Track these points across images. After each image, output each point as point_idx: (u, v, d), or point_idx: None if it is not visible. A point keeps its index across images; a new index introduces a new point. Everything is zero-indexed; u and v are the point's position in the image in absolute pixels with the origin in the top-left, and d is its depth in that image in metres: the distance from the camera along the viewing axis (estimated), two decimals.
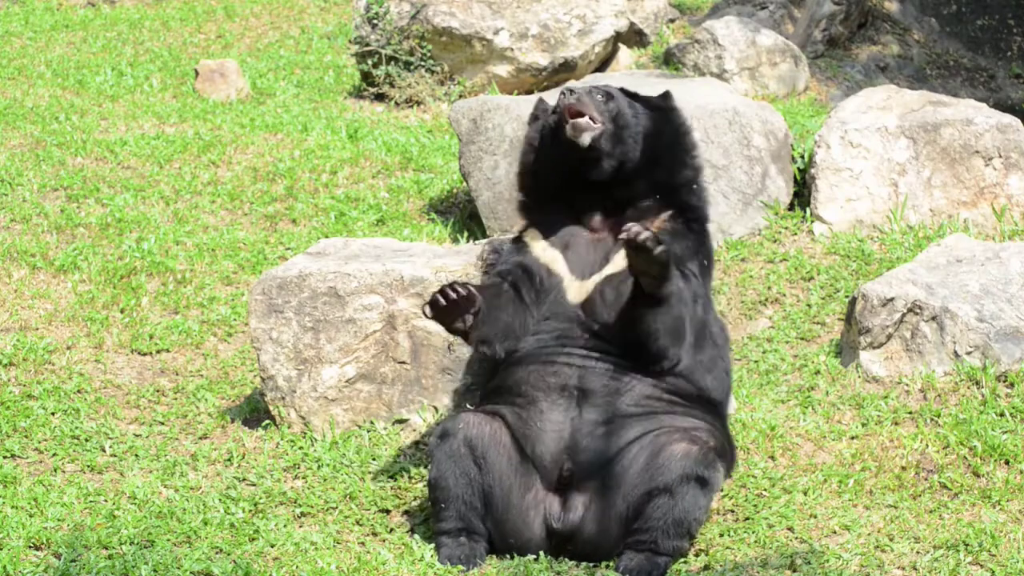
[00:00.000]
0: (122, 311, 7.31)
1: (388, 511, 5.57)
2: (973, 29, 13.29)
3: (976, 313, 6.33)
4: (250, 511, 5.47)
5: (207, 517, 5.35)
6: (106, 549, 5.06)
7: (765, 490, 5.59)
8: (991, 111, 7.93)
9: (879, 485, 5.62)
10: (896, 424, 6.03)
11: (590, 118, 5.23)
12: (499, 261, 5.58)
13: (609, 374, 5.18)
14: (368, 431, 6.05)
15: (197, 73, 11.46)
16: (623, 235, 4.94)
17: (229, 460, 5.92)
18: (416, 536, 5.35)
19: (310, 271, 6.12)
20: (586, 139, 5.25)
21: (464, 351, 6.01)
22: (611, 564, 5.10)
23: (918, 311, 6.39)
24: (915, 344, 6.38)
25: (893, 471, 5.70)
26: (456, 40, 11.22)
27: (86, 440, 6.04)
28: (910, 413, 6.10)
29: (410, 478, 5.74)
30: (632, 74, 9.98)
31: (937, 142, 7.77)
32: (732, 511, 5.51)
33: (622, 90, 5.50)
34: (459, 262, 6.23)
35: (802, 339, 6.97)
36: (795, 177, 8.13)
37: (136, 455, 5.95)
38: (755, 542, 5.27)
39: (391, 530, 5.44)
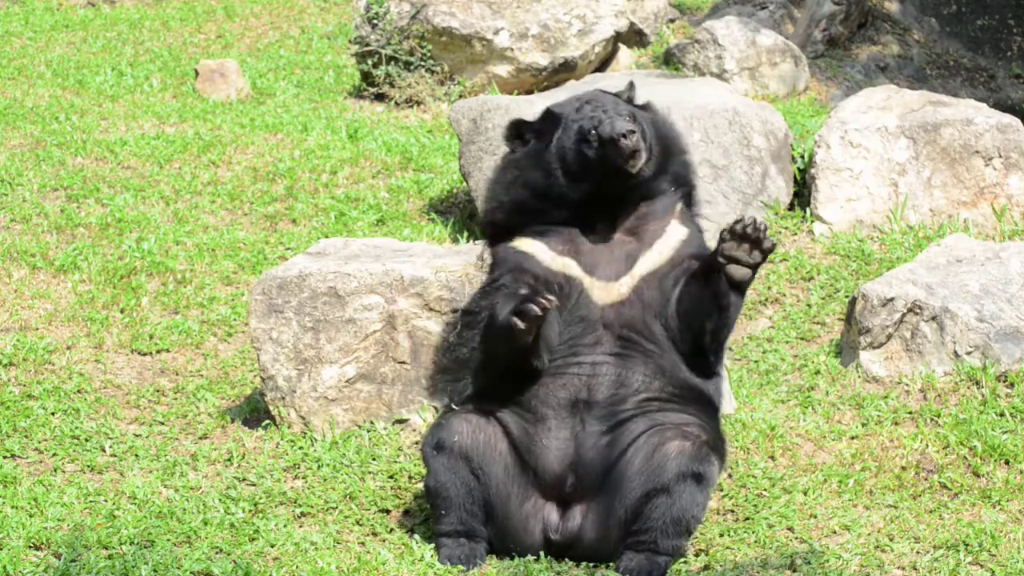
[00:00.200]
0: (122, 311, 7.31)
1: (388, 511, 5.57)
2: (973, 29, 13.30)
3: (976, 313, 6.33)
4: (250, 511, 5.47)
5: (207, 517, 5.35)
6: (106, 549, 5.06)
7: (765, 490, 5.59)
8: (991, 111, 7.93)
9: (879, 485, 5.62)
10: (896, 424, 6.03)
11: (639, 150, 5.13)
12: (504, 271, 5.33)
13: (616, 379, 5.14)
14: (368, 431, 6.05)
15: (197, 73, 11.46)
16: (739, 227, 4.93)
17: (229, 460, 5.91)
18: (416, 536, 5.35)
19: (310, 271, 6.12)
20: (636, 168, 5.16)
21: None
22: (611, 565, 5.09)
23: (918, 311, 6.39)
24: (915, 344, 6.38)
25: (893, 471, 5.70)
26: (456, 40, 11.22)
27: (86, 440, 6.04)
28: (910, 413, 6.10)
29: (410, 478, 5.73)
30: (632, 74, 9.98)
31: (937, 142, 7.77)
32: (732, 511, 5.51)
33: (616, 95, 5.44)
34: (459, 262, 6.23)
35: (802, 339, 6.97)
36: (795, 177, 8.13)
37: (136, 455, 5.95)
38: (755, 542, 5.27)
39: (391, 530, 5.44)
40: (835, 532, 5.33)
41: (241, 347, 7.01)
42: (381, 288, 6.09)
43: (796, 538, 5.30)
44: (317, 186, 8.94)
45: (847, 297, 7.03)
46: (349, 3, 13.82)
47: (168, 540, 5.15)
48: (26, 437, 6.02)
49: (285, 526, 5.35)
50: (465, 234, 8.23)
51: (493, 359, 5.18)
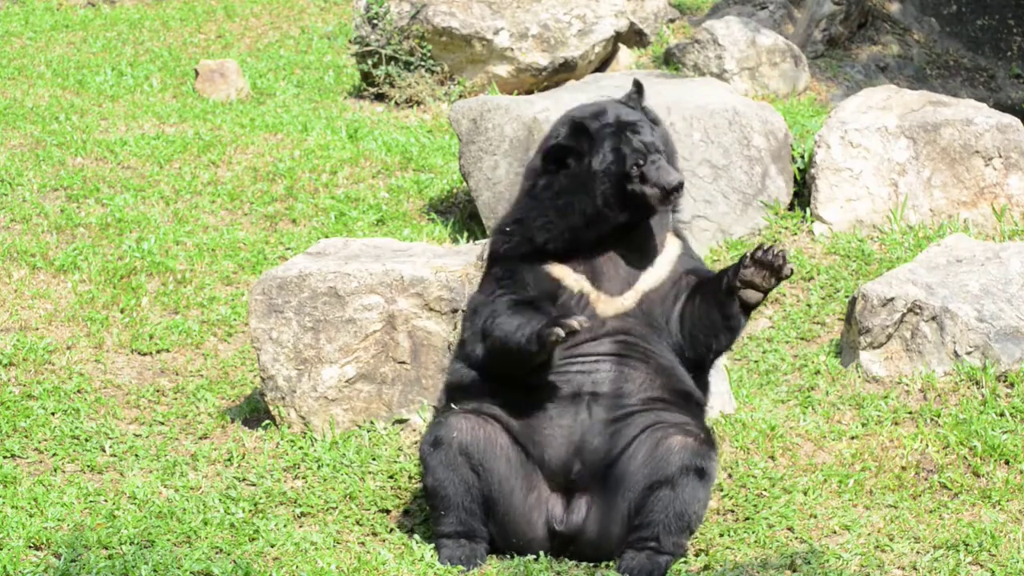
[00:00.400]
0: (122, 311, 7.31)
1: (388, 511, 5.57)
2: (973, 29, 13.29)
3: (976, 313, 6.33)
4: (250, 511, 5.47)
5: (207, 517, 5.35)
6: (106, 549, 5.05)
7: (765, 490, 5.59)
8: (991, 111, 7.93)
9: (879, 485, 5.62)
10: (896, 424, 6.03)
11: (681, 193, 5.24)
12: (519, 284, 5.30)
13: (619, 376, 5.17)
14: (368, 431, 6.05)
15: (197, 73, 11.47)
16: (760, 254, 4.99)
17: (229, 460, 5.91)
18: (416, 536, 5.35)
19: (310, 271, 6.12)
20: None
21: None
22: (612, 564, 5.09)
23: (918, 311, 6.39)
24: (915, 344, 6.38)
25: (893, 471, 5.70)
26: (456, 40, 11.22)
27: (86, 440, 6.04)
28: (910, 413, 6.10)
29: (410, 478, 5.73)
30: (632, 74, 9.98)
31: (937, 142, 7.77)
32: (732, 511, 5.51)
33: (630, 104, 5.50)
34: (459, 262, 6.23)
35: (802, 339, 6.97)
36: (795, 177, 8.14)
37: (136, 455, 5.95)
38: (755, 542, 5.27)
39: (391, 530, 5.44)
40: (835, 532, 5.34)
41: (241, 347, 7.01)
42: (381, 288, 6.09)
43: (796, 538, 5.30)
44: (317, 186, 8.94)
45: (847, 297, 7.03)
46: (349, 3, 13.82)
47: (168, 540, 5.15)
48: (26, 437, 6.02)
49: (285, 526, 5.35)
50: (465, 234, 8.23)
51: (502, 370, 5.19)
